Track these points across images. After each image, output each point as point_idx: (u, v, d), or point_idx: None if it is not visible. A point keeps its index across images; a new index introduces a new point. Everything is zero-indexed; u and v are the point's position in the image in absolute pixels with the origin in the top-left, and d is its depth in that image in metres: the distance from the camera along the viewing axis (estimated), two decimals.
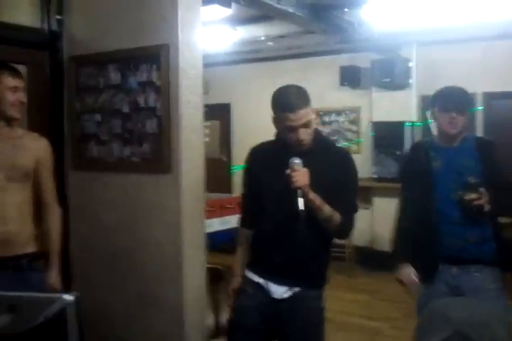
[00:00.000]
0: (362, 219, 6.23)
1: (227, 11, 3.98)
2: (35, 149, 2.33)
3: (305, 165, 1.93)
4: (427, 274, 2.34)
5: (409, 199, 2.46)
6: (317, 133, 2.09)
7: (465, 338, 0.89)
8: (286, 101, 1.98)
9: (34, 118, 2.80)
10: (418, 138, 6.00)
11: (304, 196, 1.89)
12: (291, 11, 3.99)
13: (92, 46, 2.77)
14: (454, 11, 4.37)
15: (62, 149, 2.87)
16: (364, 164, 6.34)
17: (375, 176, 6.07)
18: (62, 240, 2.43)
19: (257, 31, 5.58)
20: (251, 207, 2.18)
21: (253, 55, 6.61)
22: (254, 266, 2.14)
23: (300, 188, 1.88)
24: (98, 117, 2.76)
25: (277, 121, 2.02)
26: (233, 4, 3.91)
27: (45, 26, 2.85)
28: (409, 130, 5.90)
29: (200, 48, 2.60)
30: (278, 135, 2.12)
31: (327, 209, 1.96)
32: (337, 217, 1.99)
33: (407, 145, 5.89)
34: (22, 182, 2.27)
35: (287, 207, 1.96)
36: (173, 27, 2.47)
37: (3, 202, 2.21)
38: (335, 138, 6.65)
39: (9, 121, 2.25)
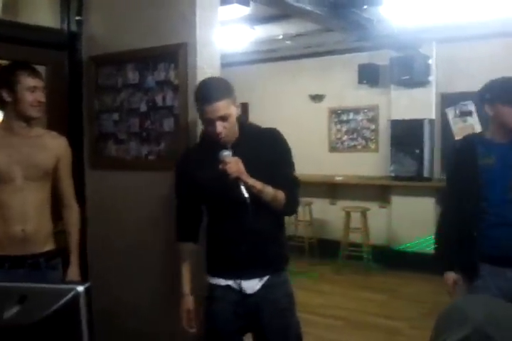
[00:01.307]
0: (379, 217, 6.22)
1: (245, 10, 3.99)
2: (54, 148, 2.36)
3: (236, 155, 1.94)
4: (469, 273, 2.28)
5: (455, 199, 2.36)
6: (242, 123, 2.10)
7: (485, 337, 0.87)
8: (204, 94, 1.98)
9: (53, 117, 2.84)
10: (438, 136, 5.95)
11: (244, 184, 1.89)
12: (309, 8, 3.98)
13: (110, 46, 2.79)
14: (474, 6, 4.31)
15: (81, 148, 2.90)
16: (382, 162, 6.31)
17: (392, 175, 6.02)
18: (80, 238, 2.47)
19: (275, 30, 5.57)
20: (190, 218, 2.16)
21: (271, 54, 6.61)
22: (218, 269, 2.11)
23: (238, 178, 1.88)
24: (116, 116, 2.78)
25: (199, 114, 2.01)
26: (251, 3, 3.92)
27: (65, 27, 2.89)
28: (428, 128, 5.84)
29: (218, 47, 2.60)
30: (202, 135, 2.15)
31: (269, 190, 1.97)
32: (281, 194, 2.00)
33: (427, 143, 5.84)
34: (41, 181, 2.30)
35: (233, 201, 1.97)
36: (191, 26, 2.48)
37: (22, 201, 2.23)
38: (353, 136, 6.64)
39: (28, 120, 2.28)
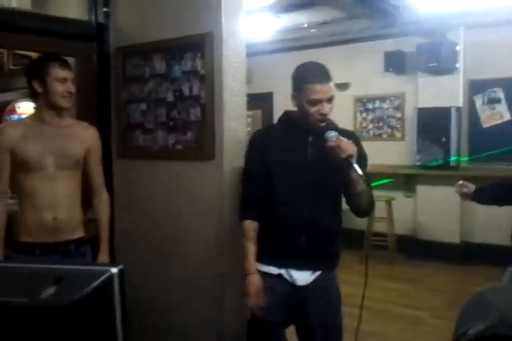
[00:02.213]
0: (405, 207, 6.17)
1: None
2: (85, 138, 2.41)
3: (321, 145, 1.93)
4: None
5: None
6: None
7: (511, 326, 0.87)
8: (316, 73, 1.98)
9: (83, 108, 2.89)
10: (465, 124, 5.85)
11: (352, 163, 1.87)
12: None
13: (137, 37, 2.82)
14: None
15: (109, 138, 2.95)
16: (407, 151, 6.24)
17: (418, 163, 5.96)
18: (110, 226, 2.52)
19: (300, 18, 5.54)
20: (258, 196, 2.09)
21: (296, 43, 6.56)
22: (271, 257, 2.06)
23: (351, 156, 1.86)
24: (144, 106, 2.82)
25: (299, 95, 1.99)
26: None
27: (93, 19, 2.92)
28: (455, 116, 5.75)
29: (244, 36, 2.60)
30: (284, 117, 2.13)
31: (363, 181, 1.93)
32: (368, 190, 1.98)
33: (454, 131, 5.76)
34: (72, 170, 2.35)
35: (317, 188, 1.98)
36: (216, 15, 2.49)
37: (53, 190, 2.28)
38: (379, 125, 6.58)
39: (59, 110, 2.33)
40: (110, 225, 2.56)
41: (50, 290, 0.81)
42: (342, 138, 1.90)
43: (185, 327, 2.70)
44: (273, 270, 2.06)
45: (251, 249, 2.07)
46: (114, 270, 0.87)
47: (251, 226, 2.10)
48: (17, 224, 2.32)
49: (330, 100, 1.97)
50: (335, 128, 2.06)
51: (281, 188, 2.05)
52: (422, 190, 6.06)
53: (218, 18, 2.49)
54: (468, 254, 5.53)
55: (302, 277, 2.04)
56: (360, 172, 1.86)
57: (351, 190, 1.95)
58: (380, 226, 5.89)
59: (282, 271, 2.05)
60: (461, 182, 2.77)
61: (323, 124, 1.99)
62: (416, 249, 5.91)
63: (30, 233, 2.28)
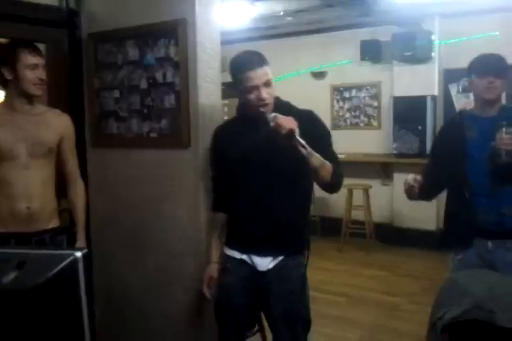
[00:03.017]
0: (382, 195, 6.23)
1: None
2: (57, 125, 2.37)
3: (269, 130, 1.92)
4: (461, 246, 2.32)
5: (435, 170, 2.40)
6: (277, 99, 2.10)
7: (486, 311, 0.89)
8: (246, 61, 2.00)
9: (54, 95, 2.83)
10: (440, 112, 5.91)
11: (299, 136, 1.84)
12: None
13: (109, 23, 2.76)
14: None
15: (82, 126, 2.90)
16: (384, 140, 6.30)
17: (395, 152, 6.02)
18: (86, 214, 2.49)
19: (276, 6, 5.51)
20: (224, 189, 2.19)
21: (272, 31, 6.53)
22: (234, 242, 2.15)
23: (292, 130, 1.83)
24: (117, 93, 2.77)
25: (237, 87, 2.01)
26: None
27: (64, 4, 2.85)
28: (431, 104, 5.81)
29: (218, 23, 2.58)
30: (239, 109, 2.15)
31: (318, 155, 1.92)
32: (328, 163, 1.96)
33: (429, 120, 5.81)
34: (45, 158, 2.31)
35: (264, 176, 2.02)
36: (190, 1, 2.45)
37: (27, 178, 2.25)
38: (356, 113, 6.61)
39: (30, 98, 2.28)
40: (86, 214, 2.53)
41: (12, 275, 0.80)
42: (280, 116, 1.88)
43: (162, 316, 2.69)
44: (236, 254, 2.13)
45: (214, 239, 2.25)
46: (79, 254, 0.86)
47: (216, 217, 2.26)
48: None
49: (267, 84, 1.97)
50: (290, 109, 2.08)
51: (240, 179, 2.11)
52: (398, 178, 6.11)
53: (192, 4, 2.45)
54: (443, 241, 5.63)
55: (263, 263, 2.07)
56: (303, 142, 1.83)
57: (308, 165, 1.93)
58: (357, 214, 5.94)
59: (244, 257, 2.11)
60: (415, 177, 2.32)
61: (264, 109, 1.98)
62: (393, 236, 5.99)
63: (4, 223, 2.24)
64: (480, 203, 2.24)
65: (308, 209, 2.20)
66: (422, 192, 2.29)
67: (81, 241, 2.39)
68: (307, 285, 2.14)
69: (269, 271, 2.07)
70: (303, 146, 1.85)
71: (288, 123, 1.85)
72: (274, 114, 1.91)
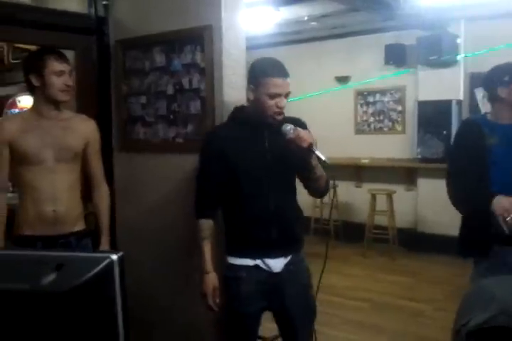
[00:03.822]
0: (406, 200, 6.17)
1: None
2: (83, 130, 2.41)
3: (278, 138, 1.98)
4: (478, 254, 2.31)
5: (458, 177, 2.37)
6: None
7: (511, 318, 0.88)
8: (276, 68, 2.00)
9: (83, 101, 2.90)
10: (466, 117, 5.84)
11: (314, 152, 1.94)
12: None
13: (137, 29, 2.81)
14: None
15: (110, 131, 2.95)
16: (408, 144, 6.24)
17: (419, 157, 5.96)
18: (110, 219, 2.53)
19: (300, 11, 5.52)
20: (213, 195, 2.13)
21: (296, 36, 6.55)
22: (244, 250, 2.11)
23: (311, 145, 1.92)
24: (144, 99, 2.82)
25: (257, 89, 2.00)
26: None
27: (92, 11, 2.92)
28: (456, 109, 5.74)
29: (243, 28, 2.60)
30: (237, 113, 2.15)
31: (320, 165, 2.03)
32: (324, 173, 2.08)
33: (454, 124, 5.74)
34: (71, 163, 2.36)
35: (272, 182, 2.06)
36: (216, 8, 2.48)
37: (53, 182, 2.29)
38: (380, 118, 6.57)
39: (57, 104, 2.33)
40: (111, 218, 2.57)
41: (50, 277, 0.82)
42: (299, 129, 1.96)
43: (186, 321, 2.71)
44: (249, 262, 2.10)
45: (207, 247, 2.13)
46: (114, 257, 0.88)
47: (206, 225, 2.14)
48: (18, 217, 2.33)
49: (287, 95, 2.02)
50: (288, 119, 2.10)
51: (246, 185, 2.08)
52: (423, 183, 6.05)
53: (218, 11, 2.48)
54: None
55: (277, 264, 2.10)
56: (323, 157, 1.93)
57: (311, 175, 2.04)
58: (380, 220, 5.90)
59: (258, 262, 2.10)
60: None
61: (280, 117, 2.01)
62: (417, 241, 5.92)
63: (31, 226, 2.29)
64: None
65: (299, 206, 2.26)
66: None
67: (105, 245, 2.42)
68: (311, 278, 2.22)
69: (281, 270, 2.12)
70: (317, 158, 1.95)
71: (308, 136, 1.93)
72: (291, 126, 1.95)
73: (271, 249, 2.09)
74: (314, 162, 1.98)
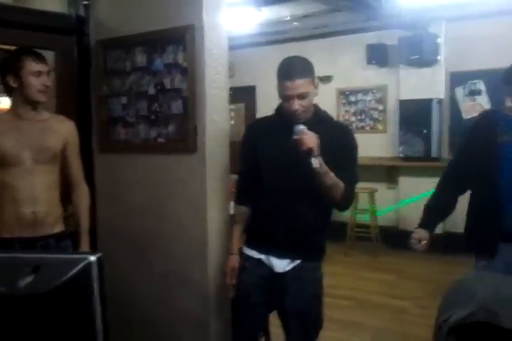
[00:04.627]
0: (388, 198, 6.23)
1: None
2: (62, 131, 2.39)
3: None
4: (485, 251, 2.27)
5: (463, 168, 2.37)
6: (316, 108, 2.13)
7: (491, 314, 0.89)
8: (286, 70, 2.02)
9: (62, 102, 2.87)
10: (446, 116, 5.91)
11: (315, 157, 1.89)
12: None
13: (118, 29, 2.79)
14: None
15: (90, 132, 2.93)
16: (390, 143, 6.30)
17: (401, 155, 6.02)
18: (90, 219, 2.50)
19: (282, 11, 5.53)
20: (250, 183, 2.21)
21: (279, 36, 6.55)
22: (254, 242, 2.19)
23: (311, 149, 1.88)
24: (124, 100, 2.80)
25: (278, 90, 2.04)
26: None
27: (73, 11, 2.89)
28: (437, 107, 5.81)
29: (225, 28, 2.60)
30: (278, 108, 2.16)
31: (333, 175, 1.97)
32: (341, 184, 2.01)
33: (435, 123, 5.81)
34: (50, 164, 2.34)
35: (295, 181, 2.04)
36: (197, 7, 2.47)
37: (31, 184, 2.27)
38: (362, 117, 6.61)
39: (35, 105, 2.30)
40: (92, 219, 2.55)
41: (27, 279, 0.82)
42: (307, 131, 1.92)
43: (166, 321, 2.71)
44: (254, 254, 2.18)
45: (236, 231, 2.26)
46: (93, 258, 0.87)
47: (240, 210, 2.26)
48: None
49: (301, 97, 1.98)
50: (321, 119, 2.10)
51: (267, 179, 2.14)
52: (404, 181, 6.11)
53: (199, 11, 2.48)
54: (450, 244, 5.61)
55: (280, 264, 2.11)
56: (315, 165, 1.88)
57: (320, 182, 1.98)
58: (363, 218, 5.94)
59: (262, 257, 2.15)
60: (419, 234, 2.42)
61: (299, 118, 2.01)
62: (399, 239, 5.94)
63: (9, 228, 2.27)
64: (509, 208, 2.18)
65: (330, 217, 2.22)
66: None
67: (84, 245, 2.40)
68: (323, 291, 2.18)
69: (286, 272, 2.11)
70: (320, 164, 1.90)
71: (310, 141, 1.88)
72: (301, 127, 1.94)
73: (276, 247, 2.10)
74: (317, 170, 1.91)
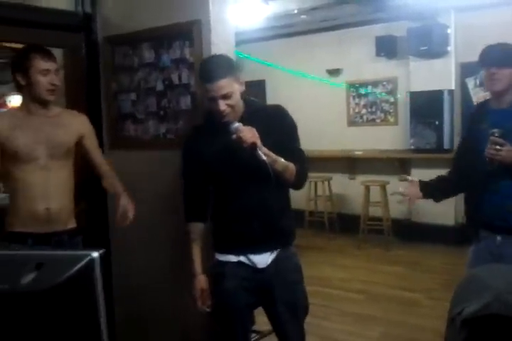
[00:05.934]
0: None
1: None
2: (74, 125, 2.39)
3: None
4: (472, 237, 2.35)
5: (457, 161, 2.45)
6: (246, 99, 2.09)
7: (506, 305, 0.87)
8: (206, 72, 1.98)
9: (72, 99, 2.88)
10: (457, 107, 5.85)
11: (260, 149, 1.88)
12: None
13: (125, 26, 2.80)
14: None
15: (100, 129, 2.93)
16: (401, 135, 6.26)
17: (412, 147, 5.98)
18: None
19: (290, 4, 5.50)
20: (198, 198, 2.15)
21: (286, 30, 6.53)
22: (228, 246, 2.12)
23: (254, 143, 1.86)
24: (133, 96, 2.81)
25: (203, 92, 2.02)
26: None
27: (80, 9, 2.90)
28: (448, 99, 5.75)
29: (232, 23, 2.59)
30: (208, 113, 2.13)
31: (281, 159, 1.97)
32: (292, 166, 2.01)
33: (446, 114, 5.76)
34: (63, 159, 2.34)
35: (245, 176, 2.02)
36: (204, 2, 2.47)
37: (46, 180, 2.28)
38: (372, 109, 6.57)
39: (44, 102, 2.31)
40: (103, 215, 2.55)
41: (30, 276, 0.82)
42: (242, 128, 1.90)
43: (180, 311, 2.72)
44: (232, 258, 2.10)
45: (195, 251, 2.15)
46: (95, 254, 0.87)
47: (193, 228, 2.17)
48: (9, 215, 2.32)
49: (226, 97, 1.95)
50: (254, 110, 2.07)
51: (225, 184, 2.10)
52: (416, 173, 6.06)
53: (206, 5, 2.47)
54: (463, 236, 5.58)
55: (262, 260, 2.08)
56: (263, 157, 1.87)
57: (270, 170, 1.94)
58: (375, 211, 5.92)
59: (241, 258, 2.10)
60: (412, 178, 2.64)
61: (225, 120, 1.97)
62: (411, 232, 5.95)
63: (22, 222, 2.28)
64: (486, 199, 2.22)
65: (290, 198, 2.22)
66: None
67: (124, 196, 2.37)
68: (302, 272, 2.20)
69: (269, 266, 2.09)
70: (266, 154, 1.89)
71: (250, 136, 1.87)
72: (236, 125, 1.91)
73: (255, 245, 2.07)
74: (267, 160, 1.89)
